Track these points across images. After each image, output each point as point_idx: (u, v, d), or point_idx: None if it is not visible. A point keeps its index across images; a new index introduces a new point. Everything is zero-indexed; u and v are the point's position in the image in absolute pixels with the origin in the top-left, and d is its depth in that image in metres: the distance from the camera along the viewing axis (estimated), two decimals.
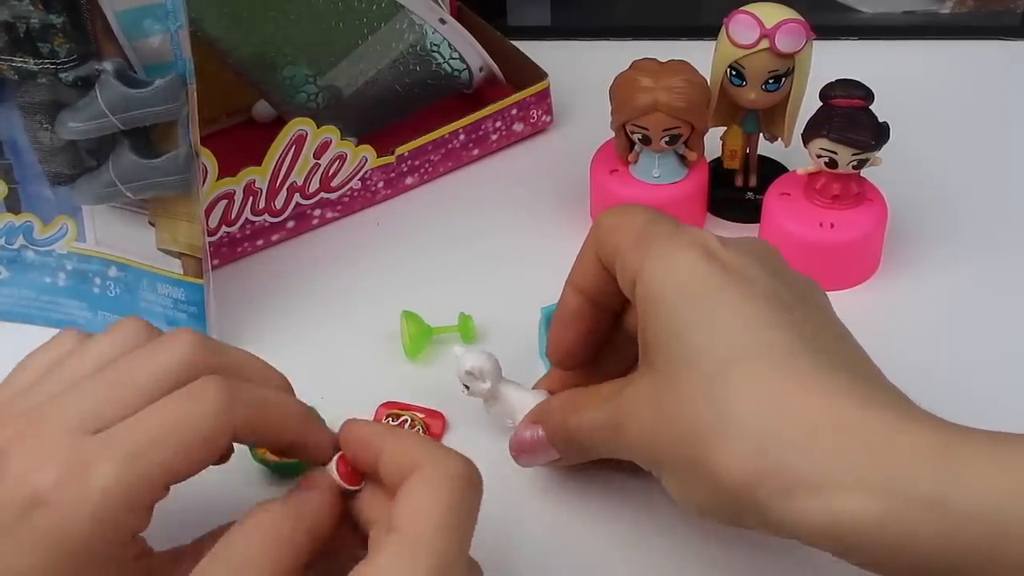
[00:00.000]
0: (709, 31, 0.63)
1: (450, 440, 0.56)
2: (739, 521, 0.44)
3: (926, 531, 0.40)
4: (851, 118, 0.59)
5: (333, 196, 0.67)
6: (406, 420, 0.55)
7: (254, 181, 0.64)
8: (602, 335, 0.52)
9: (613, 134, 0.64)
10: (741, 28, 0.60)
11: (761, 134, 0.66)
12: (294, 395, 0.47)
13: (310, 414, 0.46)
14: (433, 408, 0.56)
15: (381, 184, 0.69)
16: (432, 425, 0.55)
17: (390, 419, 0.55)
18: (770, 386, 0.42)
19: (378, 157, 0.67)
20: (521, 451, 0.52)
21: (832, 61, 0.65)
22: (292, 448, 0.46)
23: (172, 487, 0.43)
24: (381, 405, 0.56)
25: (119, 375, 0.44)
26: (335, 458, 0.45)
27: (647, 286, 0.46)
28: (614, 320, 0.52)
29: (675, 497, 0.45)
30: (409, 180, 0.70)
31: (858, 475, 0.40)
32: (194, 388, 0.43)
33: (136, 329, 0.46)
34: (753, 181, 0.68)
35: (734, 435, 0.42)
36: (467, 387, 0.53)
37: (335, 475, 0.45)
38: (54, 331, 0.47)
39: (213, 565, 0.41)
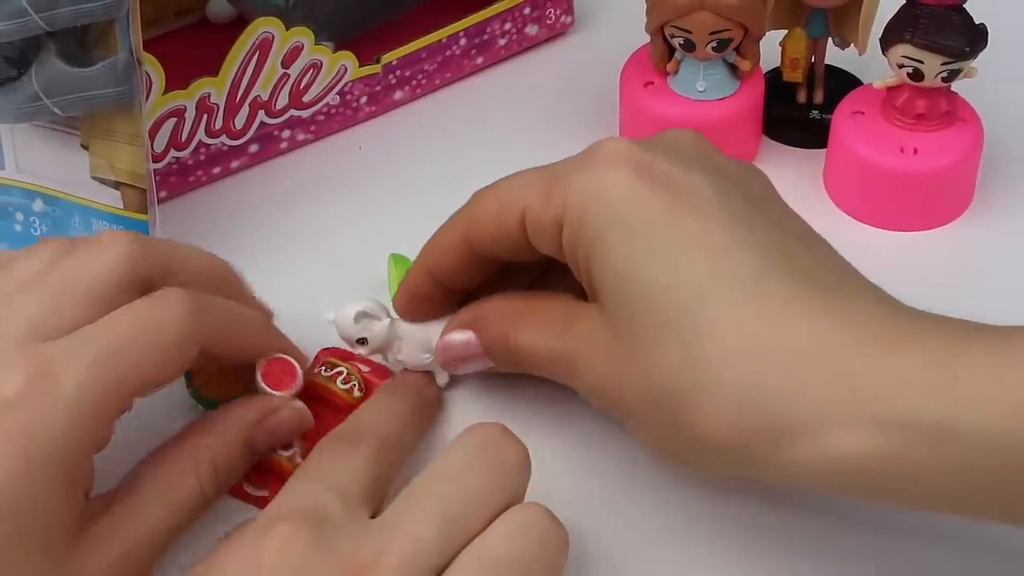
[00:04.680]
0: None
1: None
2: (726, 472, 0.47)
3: (932, 462, 0.43)
4: (941, 19, 0.59)
5: (305, 114, 0.68)
6: (341, 371, 0.56)
7: (209, 95, 0.64)
8: (454, 307, 0.56)
9: (648, 38, 0.64)
10: None
11: (830, 39, 0.66)
12: (245, 285, 0.54)
13: (272, 323, 0.54)
14: (383, 365, 0.58)
15: (364, 99, 0.69)
16: (372, 383, 0.57)
17: (324, 368, 0.57)
18: (743, 323, 0.45)
19: (360, 66, 0.68)
20: (451, 358, 0.55)
21: None
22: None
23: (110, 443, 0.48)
24: (321, 350, 0.58)
25: (58, 282, 0.48)
26: (260, 370, 0.53)
27: (577, 224, 0.48)
28: (464, 297, 0.55)
29: (648, 447, 0.49)
30: (398, 95, 0.70)
31: (851, 410, 0.43)
32: (157, 295, 0.48)
33: (60, 244, 0.50)
34: (819, 96, 0.68)
35: (713, 390, 0.45)
36: (361, 341, 0.55)
37: (263, 386, 0.52)
38: None
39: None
